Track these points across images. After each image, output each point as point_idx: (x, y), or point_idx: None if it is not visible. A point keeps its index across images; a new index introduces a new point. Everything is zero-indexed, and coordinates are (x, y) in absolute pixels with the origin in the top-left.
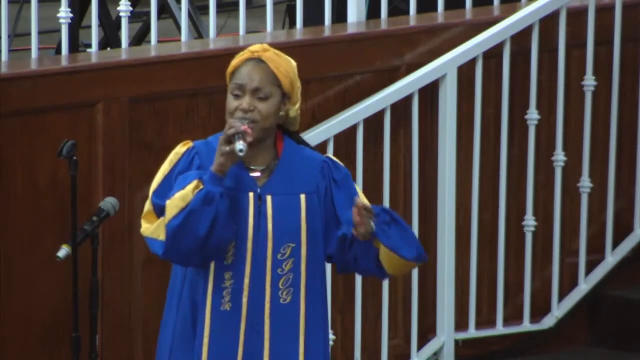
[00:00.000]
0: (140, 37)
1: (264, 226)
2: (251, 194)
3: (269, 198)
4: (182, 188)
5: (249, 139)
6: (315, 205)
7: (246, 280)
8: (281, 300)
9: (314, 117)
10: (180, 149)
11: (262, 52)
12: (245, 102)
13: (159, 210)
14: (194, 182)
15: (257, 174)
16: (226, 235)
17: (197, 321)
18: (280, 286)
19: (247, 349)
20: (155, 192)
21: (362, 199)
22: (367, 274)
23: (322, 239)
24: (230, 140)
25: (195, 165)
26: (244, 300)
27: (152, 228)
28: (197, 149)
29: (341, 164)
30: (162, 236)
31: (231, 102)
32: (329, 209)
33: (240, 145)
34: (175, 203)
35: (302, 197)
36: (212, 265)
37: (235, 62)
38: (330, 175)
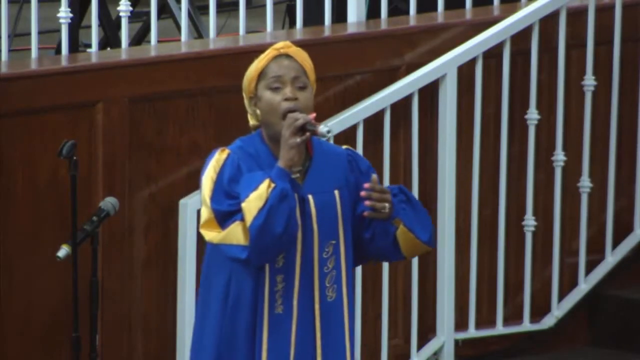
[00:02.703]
0: (140, 37)
1: (309, 226)
2: (295, 196)
3: (310, 197)
4: (255, 189)
5: (322, 125)
6: (346, 200)
7: (297, 282)
8: (328, 298)
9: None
10: (220, 156)
11: (287, 49)
12: (288, 90)
13: (220, 217)
14: (266, 181)
15: (297, 175)
16: (296, 230)
17: (254, 325)
18: (327, 284)
19: (298, 350)
20: (212, 199)
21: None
22: (381, 255)
23: (352, 233)
24: (301, 132)
25: (243, 169)
26: (295, 302)
27: (223, 234)
28: (237, 154)
29: (360, 155)
30: (241, 240)
31: (272, 97)
32: (357, 200)
33: (326, 127)
34: (253, 204)
35: (336, 193)
36: (267, 269)
37: (261, 63)
38: (357, 167)
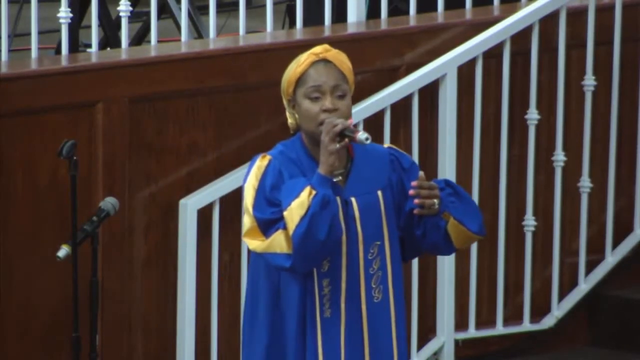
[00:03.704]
0: (140, 37)
1: (353, 228)
2: (338, 199)
3: (353, 200)
4: (297, 196)
5: (361, 132)
6: (390, 200)
7: (343, 285)
8: (374, 300)
9: None
10: (261, 162)
11: (326, 53)
12: (328, 102)
13: (263, 225)
14: (307, 189)
15: (339, 177)
16: (340, 235)
17: (304, 331)
18: (373, 285)
19: (348, 353)
20: (254, 207)
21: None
22: (433, 249)
23: (397, 232)
24: (339, 138)
25: (285, 176)
26: (342, 305)
27: (266, 243)
28: (278, 161)
29: (403, 152)
30: (284, 249)
31: (311, 106)
32: (401, 200)
33: (364, 134)
34: (295, 212)
35: (379, 193)
36: (315, 274)
37: (300, 68)
38: (400, 166)
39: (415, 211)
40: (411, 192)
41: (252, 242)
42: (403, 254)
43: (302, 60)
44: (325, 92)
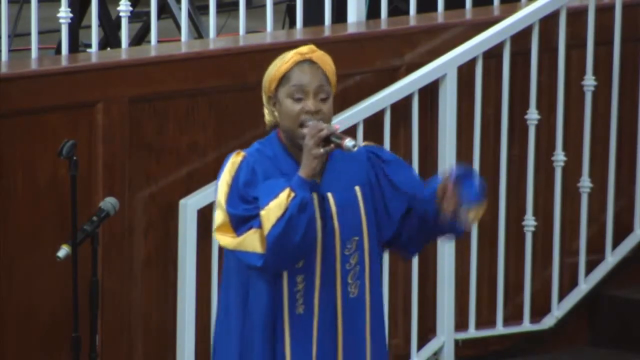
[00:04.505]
0: (140, 37)
1: (330, 224)
2: (314, 195)
3: (330, 196)
4: (275, 197)
5: (348, 139)
6: (368, 196)
7: (317, 281)
8: (350, 295)
9: None
10: (235, 159)
11: (312, 54)
12: (310, 104)
13: (235, 221)
14: (287, 190)
15: (317, 179)
16: (314, 237)
17: (274, 328)
18: (350, 280)
19: (320, 348)
20: (227, 202)
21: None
22: (447, 233)
23: (376, 229)
24: (324, 142)
25: (258, 173)
26: (316, 301)
27: (238, 240)
28: (253, 158)
29: (382, 147)
30: (257, 248)
31: (293, 106)
32: (378, 198)
33: (352, 141)
34: (272, 213)
35: (357, 189)
36: (285, 271)
37: (284, 66)
38: (379, 160)
39: (447, 210)
40: (441, 189)
41: (223, 238)
42: (406, 252)
43: (287, 59)
44: (308, 93)
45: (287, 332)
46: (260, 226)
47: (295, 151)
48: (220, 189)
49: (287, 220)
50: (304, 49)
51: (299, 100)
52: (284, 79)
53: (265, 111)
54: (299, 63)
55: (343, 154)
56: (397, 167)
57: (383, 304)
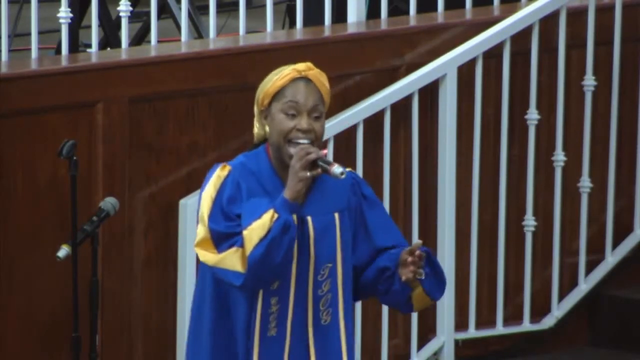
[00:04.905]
0: (140, 37)
1: (306, 248)
2: (294, 216)
3: (309, 219)
4: (258, 217)
5: (336, 165)
6: (346, 223)
7: (291, 304)
8: (322, 322)
9: None
10: (221, 172)
11: (308, 71)
12: (304, 122)
13: (217, 237)
14: (270, 212)
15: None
16: (291, 259)
17: (245, 349)
18: (321, 307)
19: None
20: (210, 218)
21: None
22: (391, 305)
23: (351, 256)
24: (311, 166)
25: (243, 189)
26: (289, 324)
27: (218, 257)
28: (237, 172)
29: (364, 181)
30: (237, 267)
31: (286, 122)
32: (358, 224)
33: (340, 168)
34: (255, 233)
35: (336, 215)
36: (261, 291)
37: (280, 81)
38: (360, 192)
39: (404, 278)
40: (409, 259)
41: (204, 254)
42: (355, 291)
43: (284, 74)
44: (301, 112)
45: (256, 354)
46: (241, 245)
47: (282, 169)
48: (204, 202)
49: (270, 241)
50: (301, 66)
51: (292, 116)
52: (278, 94)
53: (256, 124)
54: (295, 80)
55: (327, 179)
56: (373, 205)
57: (353, 333)
